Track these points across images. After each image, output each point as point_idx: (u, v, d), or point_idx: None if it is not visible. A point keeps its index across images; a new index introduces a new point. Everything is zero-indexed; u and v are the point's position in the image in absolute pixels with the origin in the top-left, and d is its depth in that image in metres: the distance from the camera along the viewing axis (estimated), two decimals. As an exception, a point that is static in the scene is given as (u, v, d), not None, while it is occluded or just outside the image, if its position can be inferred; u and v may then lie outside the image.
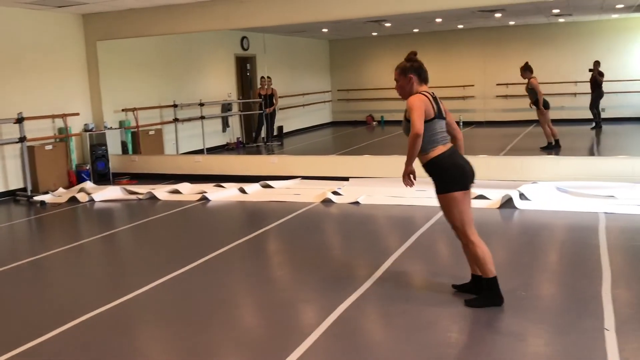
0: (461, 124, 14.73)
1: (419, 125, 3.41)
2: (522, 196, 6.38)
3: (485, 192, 6.57)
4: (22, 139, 7.70)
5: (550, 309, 3.57)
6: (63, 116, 8.63)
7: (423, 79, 3.63)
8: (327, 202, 6.85)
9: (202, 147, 10.98)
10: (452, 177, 3.52)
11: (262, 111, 12.81)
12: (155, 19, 8.67)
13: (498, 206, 6.22)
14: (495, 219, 5.87)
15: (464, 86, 15.58)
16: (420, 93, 3.56)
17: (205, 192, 7.48)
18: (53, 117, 8.54)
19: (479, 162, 7.41)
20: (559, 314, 3.48)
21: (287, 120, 14.58)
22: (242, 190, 7.56)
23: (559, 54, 14.66)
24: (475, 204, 6.27)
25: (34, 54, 8.38)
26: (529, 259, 4.55)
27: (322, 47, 16.80)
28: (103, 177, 9.09)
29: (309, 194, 7.23)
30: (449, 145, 3.60)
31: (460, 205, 3.54)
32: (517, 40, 15.00)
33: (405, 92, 3.61)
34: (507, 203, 6.25)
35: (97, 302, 3.91)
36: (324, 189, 7.29)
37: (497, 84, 15.27)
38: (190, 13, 8.44)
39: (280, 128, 14.16)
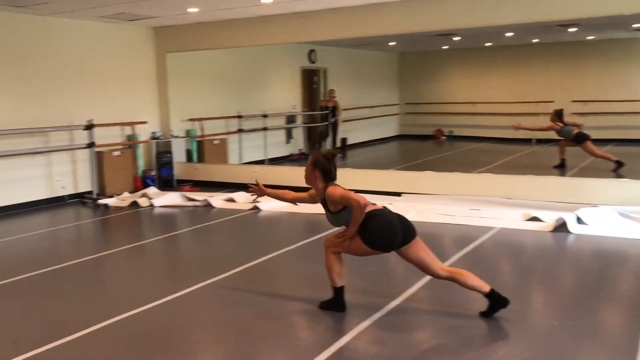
0: (534, 141, 14.26)
1: (355, 197, 3.67)
2: (579, 220, 6.09)
3: (540, 214, 6.31)
4: (89, 145, 8.16)
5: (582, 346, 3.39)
6: (132, 124, 9.06)
7: (327, 179, 3.84)
8: (375, 217, 6.80)
9: (264, 158, 11.20)
10: (372, 233, 3.69)
11: (327, 123, 12.93)
12: (222, 32, 8.96)
13: (551, 229, 5.96)
14: (545, 244, 5.63)
15: (542, 102, 15.04)
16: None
17: (258, 202, 7.62)
18: (122, 124, 8.98)
19: (538, 183, 7.23)
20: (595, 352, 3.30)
21: (353, 132, 14.61)
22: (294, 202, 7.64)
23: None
24: (529, 226, 6.09)
25: (107, 65, 8.86)
26: (571, 288, 4.34)
27: (391, 60, 16.74)
28: (167, 183, 9.46)
29: (359, 208, 7.19)
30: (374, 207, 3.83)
31: (358, 252, 3.81)
32: (595, 56, 14.36)
33: (309, 181, 3.91)
34: (562, 227, 5.98)
35: (151, 296, 4.20)
36: (374, 204, 7.23)
37: (573, 101, 14.64)
38: (256, 27, 8.65)
39: (344, 140, 14.21)
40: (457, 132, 15.99)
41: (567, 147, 9.90)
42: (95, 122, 8.28)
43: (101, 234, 6.89)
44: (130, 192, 8.82)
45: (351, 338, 3.46)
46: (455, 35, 12.21)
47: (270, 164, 10.91)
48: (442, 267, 3.77)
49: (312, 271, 4.71)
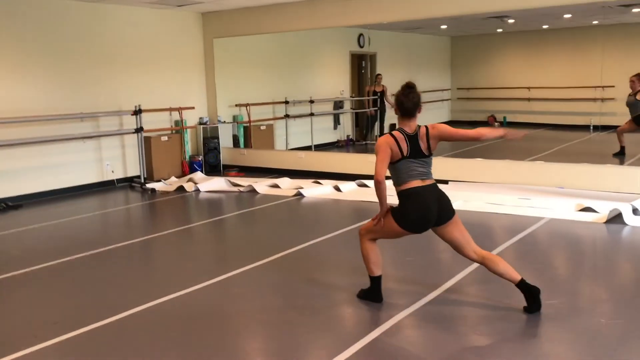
0: (591, 127, 13.67)
1: (378, 170, 3.43)
2: (635, 211, 5.77)
3: (594, 205, 6.02)
4: (137, 130, 8.29)
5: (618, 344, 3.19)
6: (179, 109, 9.16)
7: (403, 112, 3.55)
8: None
9: (310, 144, 11.14)
10: (406, 215, 3.52)
11: (376, 108, 12.75)
12: (269, 17, 8.91)
13: (605, 221, 5.66)
14: (598, 235, 5.35)
15: (602, 87, 14.38)
16: (390, 133, 3.53)
17: (302, 188, 7.58)
18: (170, 110, 9.09)
19: (592, 171, 6.88)
20: None
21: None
22: (337, 188, 7.57)
23: None
24: (581, 217, 5.81)
25: (155, 50, 8.97)
26: (623, 284, 4.10)
27: (443, 44, 16.34)
28: (214, 168, 9.54)
29: (403, 195, 7.05)
30: (428, 181, 3.54)
31: (391, 234, 3.64)
32: (662, 37, 13.58)
33: None
34: (617, 218, 5.68)
35: (194, 279, 4.26)
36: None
37: (636, 85, 13.91)
38: (302, 11, 8.57)
39: (393, 126, 13.99)
40: (512, 118, 15.48)
41: (626, 132, 9.40)
42: (143, 108, 8.41)
43: (148, 217, 7.00)
44: (178, 177, 8.94)
45: (386, 329, 3.37)
46: (509, 17, 11.77)
47: (316, 150, 10.85)
48: (476, 249, 3.58)
49: (353, 258, 4.63)
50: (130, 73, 8.65)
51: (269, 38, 10.39)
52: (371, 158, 8.89)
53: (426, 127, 3.57)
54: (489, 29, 14.37)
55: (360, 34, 13.20)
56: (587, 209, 6.01)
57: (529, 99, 15.29)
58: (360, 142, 12.85)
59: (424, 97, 15.00)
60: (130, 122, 8.40)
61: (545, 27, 14.13)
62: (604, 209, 5.84)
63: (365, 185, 7.74)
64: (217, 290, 4.14)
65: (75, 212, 6.93)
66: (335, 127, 12.55)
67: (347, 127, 12.99)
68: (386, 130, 13.37)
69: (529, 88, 15.40)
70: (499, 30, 14.56)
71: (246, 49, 10.27)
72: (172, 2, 8.41)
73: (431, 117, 15.74)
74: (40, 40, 7.60)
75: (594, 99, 14.48)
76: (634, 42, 13.98)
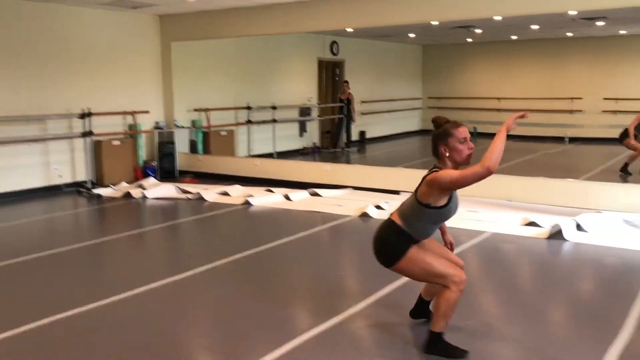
0: (567, 139, 13.71)
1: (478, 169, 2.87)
2: (578, 227, 5.67)
3: (539, 219, 5.91)
4: (85, 134, 8.08)
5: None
6: (133, 113, 8.95)
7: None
8: (365, 216, 6.51)
9: (274, 150, 10.98)
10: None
11: (341, 116, 12.64)
12: (228, 21, 8.73)
13: (546, 236, 5.56)
14: (534, 251, 5.23)
15: (571, 99, 14.41)
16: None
17: (251, 196, 7.42)
18: (124, 113, 8.89)
19: (544, 185, 6.78)
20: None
21: (372, 125, 14.29)
22: (287, 197, 7.42)
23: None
24: (524, 232, 5.70)
25: (110, 53, 8.77)
26: (535, 301, 3.98)
27: (414, 52, 16.30)
28: (169, 174, 9.34)
29: (351, 206, 6.92)
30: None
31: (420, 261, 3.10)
32: (629, 52, 13.64)
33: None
34: (560, 233, 5.57)
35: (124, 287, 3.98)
36: (368, 202, 6.95)
37: (604, 98, 13.96)
38: (263, 16, 8.39)
39: (363, 133, 13.89)
40: (482, 128, 15.43)
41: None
42: (96, 111, 8.21)
43: (87, 224, 6.81)
44: (129, 183, 8.73)
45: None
46: (476, 27, 11.73)
47: (278, 157, 10.69)
48: None
49: (283, 270, 4.48)
50: (83, 75, 8.44)
51: (233, 42, 10.24)
52: (325, 167, 8.83)
53: (433, 171, 3.08)
54: (459, 39, 14.34)
55: (334, 41, 13.10)
56: (532, 224, 5.91)
57: (499, 110, 15.29)
58: (328, 149, 12.72)
59: (395, 105, 14.91)
60: (81, 126, 8.19)
61: (514, 37, 14.11)
62: (548, 224, 5.74)
63: (317, 195, 7.59)
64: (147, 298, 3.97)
65: (14, 217, 6.72)
66: (301, 134, 12.41)
67: (314, 135, 12.86)
68: (357, 138, 13.30)
69: (499, 99, 15.40)
70: (469, 40, 14.53)
71: (209, 53, 10.11)
72: (124, 4, 8.22)
73: (401, 124, 15.70)
74: (-15, 40, 7.39)
75: (564, 111, 14.51)
76: (601, 55, 14.03)
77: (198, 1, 8.00)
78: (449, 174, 2.94)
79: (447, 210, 3.05)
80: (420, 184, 3.09)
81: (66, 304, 3.87)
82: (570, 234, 5.49)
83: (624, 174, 8.72)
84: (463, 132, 3.04)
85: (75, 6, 8.20)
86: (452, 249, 3.38)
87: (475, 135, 15.31)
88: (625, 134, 8.87)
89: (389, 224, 3.17)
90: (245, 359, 3.12)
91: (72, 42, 8.30)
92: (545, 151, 12.50)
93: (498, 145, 2.84)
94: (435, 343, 3.13)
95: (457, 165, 3.08)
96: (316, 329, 3.47)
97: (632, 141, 8.73)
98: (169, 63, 9.45)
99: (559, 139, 14.00)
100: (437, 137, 3.09)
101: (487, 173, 2.81)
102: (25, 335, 3.45)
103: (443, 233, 3.44)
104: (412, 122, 16.30)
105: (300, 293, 4.25)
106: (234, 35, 9.07)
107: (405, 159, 11.33)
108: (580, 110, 14.44)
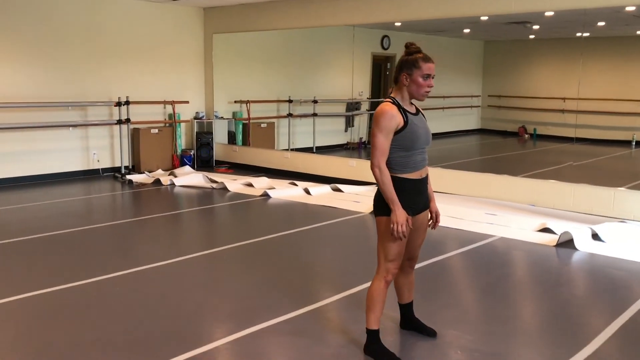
0: (634, 143, 12.85)
1: (376, 144, 2.94)
2: (595, 236, 5.30)
3: (555, 226, 5.57)
4: (120, 121, 8.40)
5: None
6: (172, 103, 9.21)
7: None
8: (376, 213, 6.38)
9: (314, 144, 10.96)
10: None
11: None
12: (270, 13, 8.78)
13: (555, 244, 5.23)
14: (534, 259, 4.93)
15: (645, 100, 13.46)
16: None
17: (273, 188, 7.46)
18: (163, 103, 9.16)
19: (569, 190, 6.37)
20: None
21: (429, 122, 13.96)
22: (307, 191, 7.40)
23: None
24: (534, 238, 5.41)
25: (153, 44, 9.06)
26: (514, 314, 3.74)
27: (475, 48, 15.77)
28: (206, 163, 9.56)
29: (368, 203, 6.80)
30: None
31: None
32: None
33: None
34: (572, 242, 5.23)
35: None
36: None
37: (679, 101, 12.94)
38: (306, 9, 8.37)
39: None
40: (543, 130, 14.75)
41: None
42: (137, 100, 8.52)
43: (103, 208, 6.98)
44: (166, 170, 9.01)
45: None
46: (532, 23, 11.18)
47: (322, 152, 10.65)
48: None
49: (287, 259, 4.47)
50: (125, 65, 8.77)
51: (277, 36, 10.28)
52: (350, 162, 8.70)
53: (386, 100, 3.03)
54: (521, 35, 13.71)
55: (385, 36, 12.91)
56: (546, 230, 5.58)
57: (562, 111, 14.51)
58: (372, 145, 12.55)
59: (451, 103, 14.38)
60: (122, 114, 8.52)
61: (579, 35, 13.33)
62: (561, 231, 5.40)
63: (339, 190, 7.52)
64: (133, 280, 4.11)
65: (49, 196, 7.10)
66: (346, 129, 12.31)
67: (361, 130, 12.73)
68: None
69: (563, 99, 14.61)
70: (531, 36, 13.88)
71: (253, 45, 10.20)
72: (168, -3, 8.46)
73: (458, 122, 15.26)
74: (36, 29, 7.81)
75: (636, 113, 13.59)
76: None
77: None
78: (375, 130, 2.90)
79: (408, 133, 2.96)
80: None
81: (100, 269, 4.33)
82: (581, 243, 5.13)
83: None
84: (430, 68, 2.95)
85: (121, -2, 8.54)
86: (437, 220, 3.21)
87: (535, 137, 14.72)
88: None
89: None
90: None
91: (117, 33, 8.64)
92: (606, 155, 11.77)
93: (387, 190, 2.87)
94: (368, 342, 3.03)
95: (411, 98, 3.01)
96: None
97: None
98: (211, 55, 9.64)
99: (627, 143, 13.14)
100: (403, 64, 2.98)
101: (371, 167, 2.91)
102: (68, 290, 3.99)
103: (430, 200, 3.25)
104: (470, 120, 15.80)
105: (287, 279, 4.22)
106: (273, 28, 9.10)
107: (448, 158, 11.00)
108: (654, 113, 13.46)
